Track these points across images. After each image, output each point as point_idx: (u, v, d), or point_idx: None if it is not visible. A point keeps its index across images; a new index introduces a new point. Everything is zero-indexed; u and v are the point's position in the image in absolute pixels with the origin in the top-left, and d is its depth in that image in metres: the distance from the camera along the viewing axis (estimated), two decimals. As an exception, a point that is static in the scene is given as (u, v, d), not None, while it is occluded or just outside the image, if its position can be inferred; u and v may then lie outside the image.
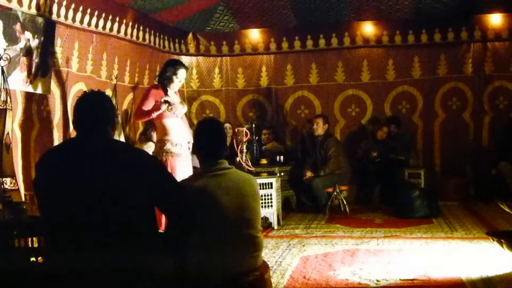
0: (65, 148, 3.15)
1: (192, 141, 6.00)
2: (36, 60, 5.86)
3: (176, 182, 3.18)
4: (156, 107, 5.71)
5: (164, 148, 5.75)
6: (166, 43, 9.25)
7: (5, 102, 5.12)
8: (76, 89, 6.68)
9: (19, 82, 5.63)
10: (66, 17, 6.41)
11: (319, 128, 8.63)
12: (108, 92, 7.39)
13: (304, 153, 9.05)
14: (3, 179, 4.99)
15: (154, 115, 5.71)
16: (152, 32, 8.58)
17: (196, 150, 3.52)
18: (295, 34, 9.90)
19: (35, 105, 6.11)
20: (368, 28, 9.70)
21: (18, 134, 5.78)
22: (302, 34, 9.87)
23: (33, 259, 3.89)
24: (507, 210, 5.10)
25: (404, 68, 9.71)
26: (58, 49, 6.37)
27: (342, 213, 8.10)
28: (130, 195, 2.81)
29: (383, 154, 8.96)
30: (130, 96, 8.11)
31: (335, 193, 8.22)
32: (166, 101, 5.72)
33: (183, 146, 5.84)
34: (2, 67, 5.14)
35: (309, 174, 8.41)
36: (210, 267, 3.14)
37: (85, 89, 6.69)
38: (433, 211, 7.65)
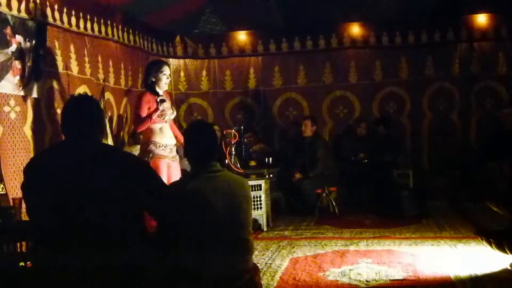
0: (53, 152, 3.14)
1: (178, 144, 6.03)
2: (29, 64, 5.83)
3: (165, 185, 3.19)
4: (154, 109, 5.72)
5: (147, 149, 5.75)
6: (154, 45, 9.27)
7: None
8: (80, 92, 6.67)
9: (12, 86, 5.60)
10: (57, 19, 6.42)
11: (308, 129, 8.68)
12: (108, 94, 7.43)
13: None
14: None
15: (155, 116, 5.71)
16: (141, 35, 8.61)
17: (187, 153, 3.51)
18: (282, 36, 9.92)
19: (45, 109, 6.13)
20: (355, 29, 9.74)
21: (30, 137, 5.82)
22: (290, 35, 9.90)
23: (22, 264, 3.88)
24: (495, 209, 5.14)
25: (391, 69, 9.76)
26: (57, 52, 6.41)
27: (331, 214, 8.12)
28: (119, 198, 2.82)
29: (370, 154, 8.99)
30: (125, 100, 8.12)
31: (324, 194, 8.26)
32: (162, 100, 5.74)
33: (167, 148, 5.83)
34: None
35: (298, 175, 8.43)
36: (201, 269, 3.14)
37: (88, 91, 6.77)
38: (422, 211, 7.69)
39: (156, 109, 5.71)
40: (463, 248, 5.77)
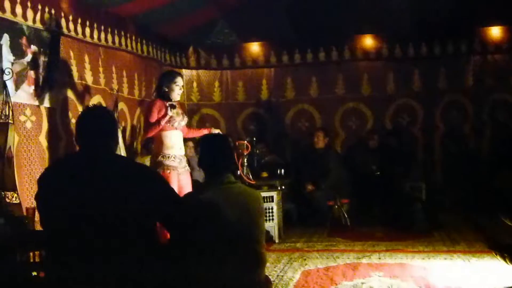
0: (67, 163, 3.16)
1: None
2: (43, 74, 5.89)
3: (178, 196, 3.20)
4: (162, 115, 5.72)
5: (157, 161, 5.73)
6: (167, 56, 9.33)
7: (7, 116, 5.14)
8: (94, 102, 6.80)
9: (27, 96, 5.67)
10: (72, 30, 6.50)
11: (320, 141, 8.69)
12: (122, 105, 7.46)
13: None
14: (5, 193, 4.99)
15: (163, 122, 5.67)
16: (154, 45, 8.67)
17: (201, 164, 3.51)
18: (295, 47, 9.95)
19: (59, 119, 6.19)
20: (368, 41, 9.77)
21: (44, 145, 5.89)
22: (302, 47, 9.92)
23: (34, 273, 3.89)
24: (509, 223, 5.09)
25: (404, 81, 9.74)
26: (72, 62, 6.48)
27: (343, 226, 8.07)
28: (132, 209, 2.83)
29: (382, 167, 8.95)
30: (139, 110, 8.17)
31: (336, 206, 8.22)
32: (172, 105, 5.72)
33: (176, 159, 5.80)
34: (4, 81, 5.17)
35: (310, 187, 8.42)
36: (213, 281, 3.14)
37: (102, 101, 6.82)
38: (435, 224, 7.65)
39: (165, 115, 5.69)
40: (477, 262, 5.71)
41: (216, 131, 6.27)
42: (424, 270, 5.39)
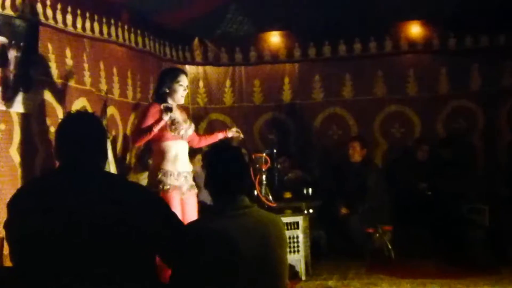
0: (45, 183, 3.16)
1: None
2: (14, 72, 5.85)
3: (182, 224, 3.19)
4: (156, 120, 5.62)
5: (157, 179, 5.66)
6: (168, 50, 9.34)
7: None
8: (78, 106, 6.75)
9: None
10: (50, 18, 6.47)
11: (356, 153, 8.71)
12: (112, 110, 7.46)
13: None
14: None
15: (156, 129, 5.58)
16: (152, 37, 8.68)
17: (208, 184, 3.45)
18: (324, 38, 9.98)
19: (35, 127, 6.15)
20: (414, 29, 9.78)
21: (16, 160, 5.83)
22: (333, 37, 9.95)
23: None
24: None
25: (460, 78, 9.71)
26: (50, 57, 6.45)
27: (386, 259, 8.05)
28: (125, 240, 2.82)
29: (434, 184, 8.88)
30: (133, 115, 8.16)
31: (377, 234, 8.17)
32: (167, 108, 5.62)
33: (180, 177, 5.73)
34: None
35: (344, 210, 8.38)
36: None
37: (88, 106, 6.83)
38: (501, 257, 7.58)
39: (159, 120, 5.60)
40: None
41: (233, 131, 6.25)
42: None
